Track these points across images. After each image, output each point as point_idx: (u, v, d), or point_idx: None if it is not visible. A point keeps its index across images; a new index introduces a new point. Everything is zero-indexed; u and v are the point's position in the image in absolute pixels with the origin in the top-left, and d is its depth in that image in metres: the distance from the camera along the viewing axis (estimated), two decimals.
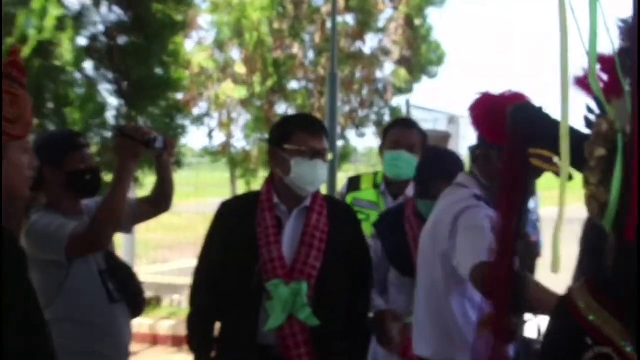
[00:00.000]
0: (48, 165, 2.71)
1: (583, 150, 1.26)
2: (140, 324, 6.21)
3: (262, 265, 2.66)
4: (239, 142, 13.56)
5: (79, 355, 2.70)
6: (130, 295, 2.93)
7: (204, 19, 13.01)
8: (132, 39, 6.30)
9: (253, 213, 2.75)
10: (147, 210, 3.12)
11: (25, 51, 5.38)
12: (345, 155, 13.62)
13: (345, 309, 2.76)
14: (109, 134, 6.09)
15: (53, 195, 2.79)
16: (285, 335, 2.65)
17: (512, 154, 1.72)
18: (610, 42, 1.26)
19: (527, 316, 2.34)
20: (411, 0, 12.97)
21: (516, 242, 1.78)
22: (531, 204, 7.13)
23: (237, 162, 13.07)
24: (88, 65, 6.23)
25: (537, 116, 1.70)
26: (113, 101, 6.34)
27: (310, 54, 13.11)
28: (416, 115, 9.38)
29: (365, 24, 12.96)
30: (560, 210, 1.26)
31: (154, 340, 6.79)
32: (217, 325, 2.85)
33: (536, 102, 1.85)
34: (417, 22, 13.27)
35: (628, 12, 1.25)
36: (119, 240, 3.23)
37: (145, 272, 8.24)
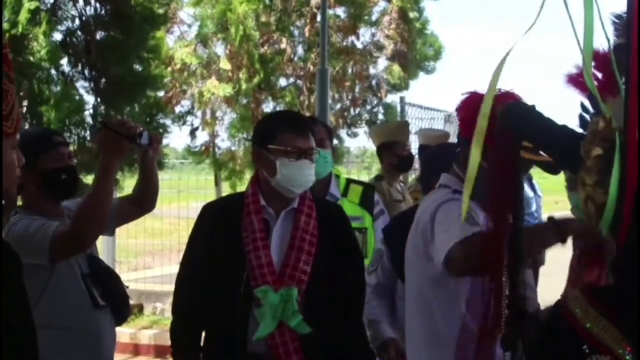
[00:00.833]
0: (23, 165, 2.71)
1: (578, 149, 1.28)
2: (121, 333, 6.20)
3: (250, 271, 2.66)
4: (224, 142, 13.54)
5: None
6: (115, 301, 2.92)
7: (186, 13, 12.98)
8: (110, 34, 6.28)
9: (238, 216, 2.75)
10: (131, 209, 3.11)
11: None
12: (337, 156, 13.61)
13: (337, 315, 2.76)
14: (86, 134, 6.08)
15: (30, 197, 2.78)
16: (275, 343, 2.65)
17: (501, 153, 1.74)
18: (605, 39, 1.28)
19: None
20: None
21: (514, 239, 1.80)
22: (532, 206, 7.15)
23: (222, 163, 13.04)
24: (63, 62, 6.21)
25: (528, 115, 1.73)
26: (90, 99, 6.33)
27: (300, 49, 13.09)
28: (411, 114, 9.40)
29: (358, 17, 12.95)
30: None
31: (136, 349, 6.79)
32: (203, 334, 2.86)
33: (529, 100, 1.87)
34: (411, 14, 13.27)
35: (622, 7, 1.27)
36: (99, 246, 3.23)
37: (127, 279, 8.21)
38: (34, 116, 5.81)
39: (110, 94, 6.23)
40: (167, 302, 7.35)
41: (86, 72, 6.29)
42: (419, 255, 2.56)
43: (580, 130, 1.35)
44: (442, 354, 2.54)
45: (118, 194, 6.13)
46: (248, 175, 12.04)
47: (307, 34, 12.76)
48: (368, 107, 13.84)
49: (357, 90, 13.61)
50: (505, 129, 1.70)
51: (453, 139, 9.09)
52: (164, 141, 7.91)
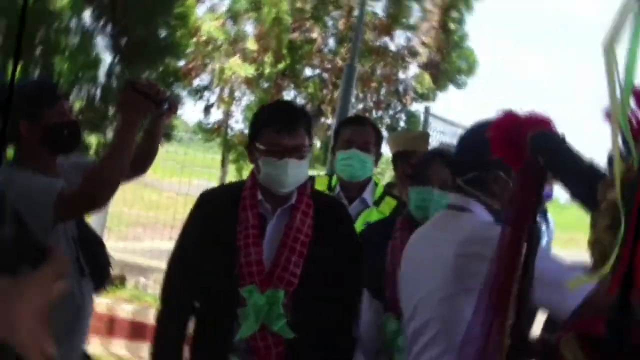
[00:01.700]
0: (24, 118, 2.68)
1: (596, 190, 1.26)
2: (98, 303, 6.20)
3: (238, 268, 2.64)
4: (238, 124, 13.54)
5: None
6: (97, 268, 2.91)
7: None
8: None
9: (235, 207, 2.72)
10: None
11: None
12: None
13: (327, 319, 2.71)
14: (97, 92, 6.07)
15: (26, 151, 2.75)
16: (257, 346, 2.63)
17: (529, 179, 1.73)
18: None
19: None
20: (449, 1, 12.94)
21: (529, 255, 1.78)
22: (543, 240, 7.14)
23: (232, 145, 13.06)
24: (86, 15, 6.20)
25: (557, 147, 1.71)
26: (107, 57, 6.32)
27: (331, 41, 13.10)
28: (435, 126, 9.37)
29: (395, 18, 12.94)
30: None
31: (111, 321, 6.78)
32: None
33: (560, 127, 1.86)
34: (452, 26, 13.25)
35: None
36: None
37: (113, 248, 8.21)
38: (45, 65, 5.80)
39: (129, 54, 6.22)
40: (151, 277, 7.34)
41: (108, 28, 6.28)
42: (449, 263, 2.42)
43: (606, 169, 1.33)
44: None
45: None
46: None
47: (341, 27, 12.76)
48: (391, 112, 13.84)
49: (382, 93, 13.60)
50: (533, 157, 1.69)
51: None
52: None
